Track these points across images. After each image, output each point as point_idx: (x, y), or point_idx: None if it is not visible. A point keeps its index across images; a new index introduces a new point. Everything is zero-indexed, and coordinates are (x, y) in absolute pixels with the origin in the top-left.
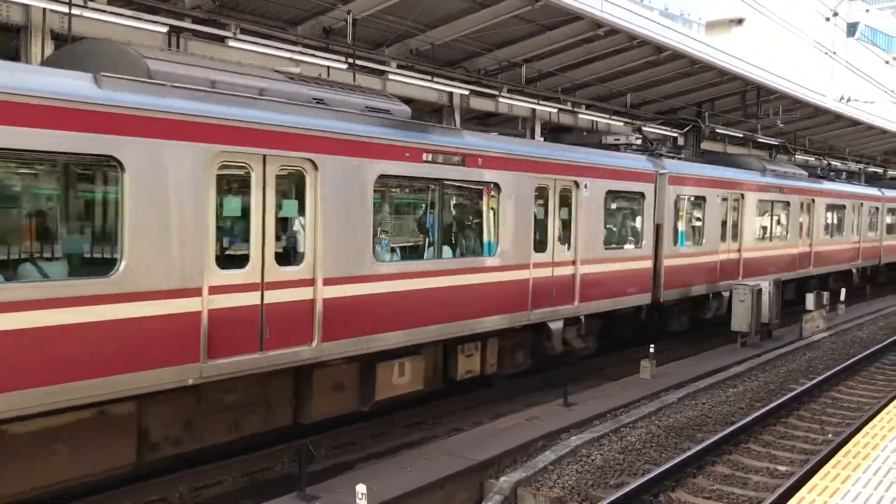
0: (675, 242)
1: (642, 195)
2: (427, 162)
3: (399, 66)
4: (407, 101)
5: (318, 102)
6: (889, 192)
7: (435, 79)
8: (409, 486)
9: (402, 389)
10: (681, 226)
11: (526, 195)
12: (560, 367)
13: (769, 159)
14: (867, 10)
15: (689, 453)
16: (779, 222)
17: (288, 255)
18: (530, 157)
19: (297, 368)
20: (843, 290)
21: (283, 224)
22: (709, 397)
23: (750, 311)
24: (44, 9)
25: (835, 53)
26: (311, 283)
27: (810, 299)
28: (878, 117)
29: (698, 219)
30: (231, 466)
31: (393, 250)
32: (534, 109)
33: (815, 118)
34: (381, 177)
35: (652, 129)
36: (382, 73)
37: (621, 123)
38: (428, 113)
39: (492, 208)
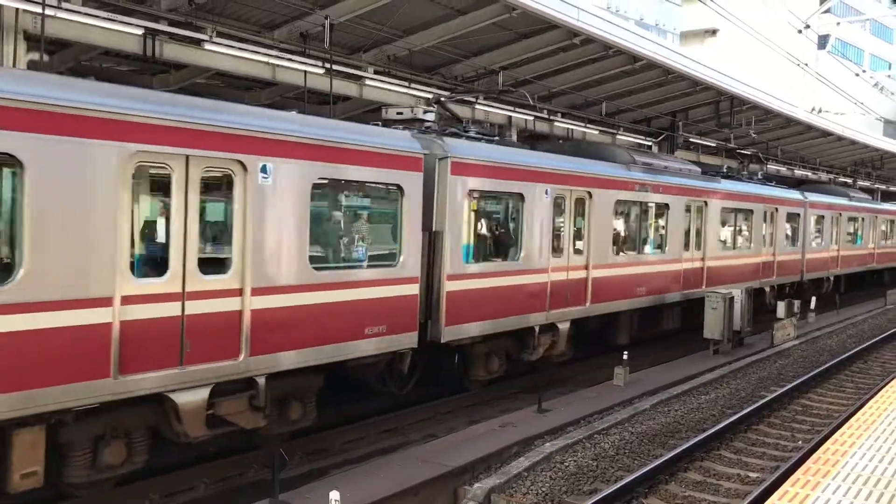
0: (471, 258)
1: (399, 188)
2: None
3: (376, 72)
4: (384, 106)
5: None
6: (814, 197)
7: (412, 85)
8: (383, 492)
9: None
10: (478, 234)
11: (97, 181)
12: (532, 373)
13: (643, 150)
14: (838, 24)
15: (661, 460)
16: (654, 230)
17: None
18: (109, 114)
19: None
20: (814, 299)
21: None
22: (681, 404)
23: (722, 318)
24: (17, 9)
25: (806, 65)
26: None
27: (781, 308)
28: (847, 128)
29: (511, 225)
30: (203, 472)
31: None
32: (510, 117)
33: (786, 128)
34: None
35: (624, 137)
36: (359, 78)
37: (596, 132)
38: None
39: None
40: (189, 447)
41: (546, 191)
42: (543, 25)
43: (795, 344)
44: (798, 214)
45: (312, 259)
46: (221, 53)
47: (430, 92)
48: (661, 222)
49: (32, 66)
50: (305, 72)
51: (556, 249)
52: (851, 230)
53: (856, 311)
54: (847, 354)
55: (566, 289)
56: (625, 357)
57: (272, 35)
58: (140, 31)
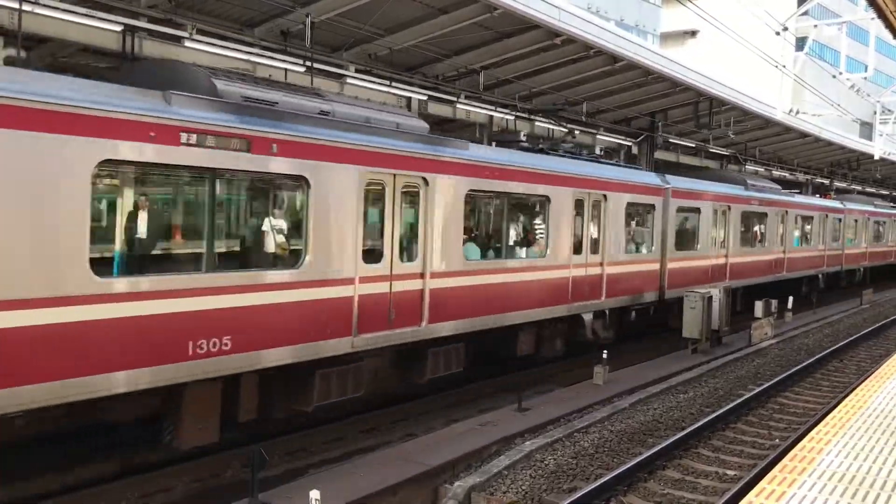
0: None
1: None
2: None
3: (357, 71)
4: None
5: None
6: (682, 182)
7: (393, 84)
8: (362, 491)
9: None
10: None
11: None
12: (512, 372)
13: (256, 78)
14: (815, 26)
15: (640, 458)
16: (264, 227)
17: None
18: None
19: None
20: (790, 299)
21: None
22: (660, 403)
23: (700, 317)
24: None
25: (784, 67)
26: None
27: (759, 307)
28: (825, 129)
29: None
30: (181, 472)
31: None
32: (491, 116)
33: (765, 129)
34: None
35: (605, 138)
36: (340, 76)
37: (578, 131)
38: None
39: None
40: (168, 446)
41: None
42: (524, 25)
43: (773, 343)
44: (652, 206)
45: None
46: (202, 51)
47: (411, 91)
48: (282, 214)
49: (9, 62)
50: (286, 70)
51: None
52: (750, 229)
53: (832, 310)
54: (823, 353)
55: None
56: (604, 356)
57: (252, 32)
58: (119, 28)
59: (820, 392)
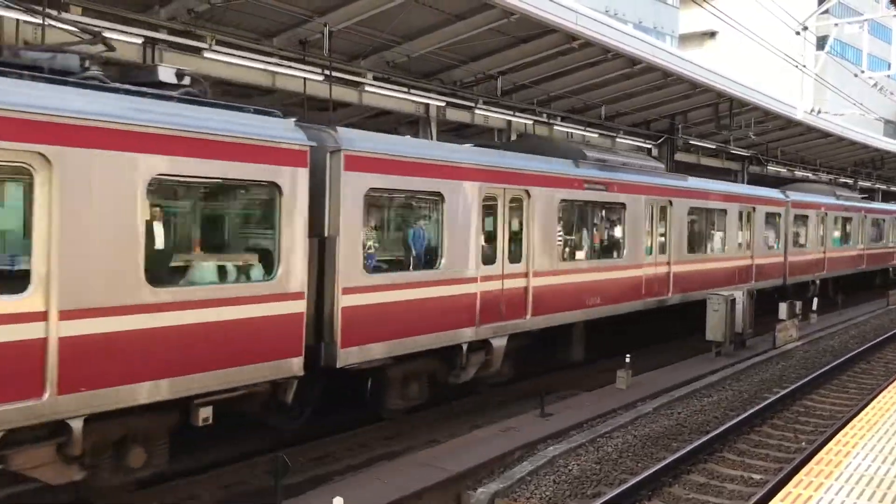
0: None
1: None
2: None
3: (375, 78)
4: (384, 112)
5: None
6: (375, 144)
7: (411, 91)
8: (386, 497)
9: None
10: None
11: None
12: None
13: None
14: (836, 25)
15: (664, 463)
16: None
17: None
18: None
19: None
20: (816, 300)
21: None
22: (684, 406)
23: (724, 320)
24: (17, 20)
25: (805, 67)
26: None
27: (783, 309)
28: (847, 129)
29: None
30: (206, 480)
31: None
32: (509, 121)
33: (786, 130)
34: None
35: (625, 141)
36: (359, 84)
37: (596, 135)
38: (404, 124)
39: None
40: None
41: None
42: (541, 30)
43: (798, 345)
44: (275, 188)
45: None
46: (221, 61)
47: (429, 98)
48: None
49: None
50: (305, 79)
51: None
52: (588, 230)
53: (858, 311)
54: (849, 355)
55: None
56: (627, 360)
57: (271, 42)
58: (140, 41)
59: (847, 394)
